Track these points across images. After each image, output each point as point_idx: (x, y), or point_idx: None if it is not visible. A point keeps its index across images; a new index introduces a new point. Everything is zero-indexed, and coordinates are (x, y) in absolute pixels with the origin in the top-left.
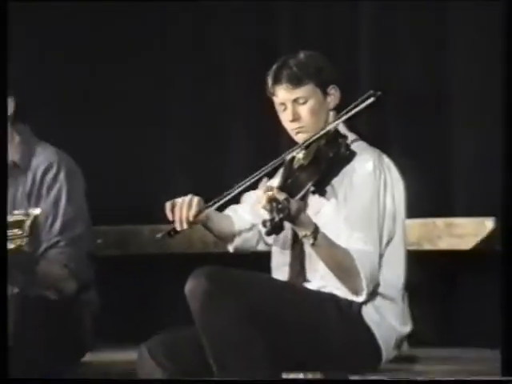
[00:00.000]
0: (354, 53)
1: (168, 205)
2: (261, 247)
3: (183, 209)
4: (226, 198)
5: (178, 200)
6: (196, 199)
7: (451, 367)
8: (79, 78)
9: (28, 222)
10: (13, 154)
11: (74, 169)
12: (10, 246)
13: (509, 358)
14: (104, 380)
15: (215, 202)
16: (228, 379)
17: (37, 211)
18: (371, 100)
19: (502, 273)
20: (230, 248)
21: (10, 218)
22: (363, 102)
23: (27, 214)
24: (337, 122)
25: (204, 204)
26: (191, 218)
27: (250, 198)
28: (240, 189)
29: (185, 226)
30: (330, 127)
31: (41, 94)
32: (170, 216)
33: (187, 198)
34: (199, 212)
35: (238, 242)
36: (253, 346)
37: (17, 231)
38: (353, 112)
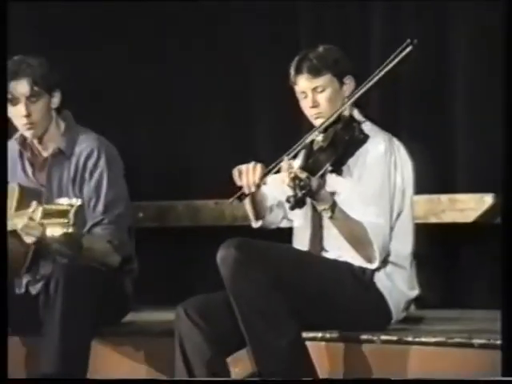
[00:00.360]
0: (367, 46)
1: (235, 171)
2: (283, 224)
3: (249, 174)
4: (274, 170)
5: (243, 167)
6: (259, 165)
7: (453, 327)
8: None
9: (72, 211)
10: (58, 142)
11: (113, 154)
12: (57, 232)
13: (509, 358)
14: (105, 380)
15: (269, 171)
16: (229, 379)
17: (79, 202)
18: (410, 48)
19: (502, 240)
20: (256, 224)
21: (55, 207)
22: (402, 51)
23: (71, 205)
24: (383, 71)
25: (266, 169)
26: (258, 182)
27: (274, 179)
28: (279, 164)
29: (253, 189)
30: (370, 84)
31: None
32: (238, 181)
33: (251, 164)
34: (263, 176)
35: (267, 217)
36: (278, 309)
37: (62, 220)
38: (395, 61)
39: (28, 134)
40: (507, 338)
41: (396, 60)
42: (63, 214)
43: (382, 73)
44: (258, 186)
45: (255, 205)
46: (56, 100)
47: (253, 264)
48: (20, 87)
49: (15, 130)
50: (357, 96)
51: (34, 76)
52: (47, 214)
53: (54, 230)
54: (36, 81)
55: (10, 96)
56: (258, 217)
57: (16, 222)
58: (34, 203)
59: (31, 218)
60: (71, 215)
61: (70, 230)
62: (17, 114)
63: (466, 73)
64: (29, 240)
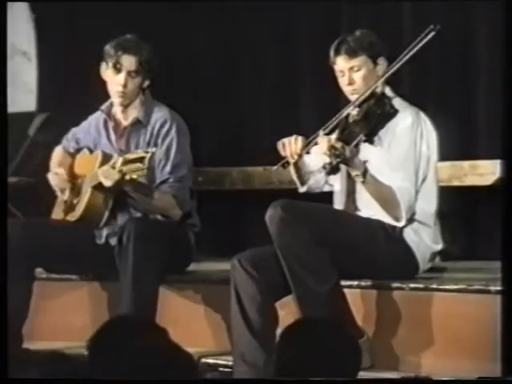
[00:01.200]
0: (399, 31)
1: (280, 144)
2: (326, 188)
3: (292, 145)
4: (312, 143)
5: (285, 140)
6: (300, 138)
7: (472, 275)
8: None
9: (148, 157)
10: (137, 113)
11: (182, 125)
12: (134, 176)
13: (509, 359)
14: (106, 380)
15: (309, 142)
16: (233, 378)
17: (154, 149)
18: (432, 34)
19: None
20: (302, 189)
21: (134, 155)
22: (425, 36)
23: (147, 152)
24: (406, 57)
25: (305, 141)
26: (299, 151)
27: (317, 149)
28: (317, 136)
29: (295, 158)
30: (394, 69)
31: None
32: (282, 152)
33: (293, 137)
34: (304, 147)
35: (310, 182)
36: (319, 260)
37: (139, 165)
38: (418, 47)
39: (117, 100)
40: (507, 284)
41: (419, 45)
42: (140, 159)
43: (406, 57)
44: (300, 156)
45: (299, 172)
46: (147, 82)
47: (296, 222)
48: (128, 61)
49: (97, 103)
50: (384, 77)
51: (141, 58)
52: (126, 162)
53: (131, 175)
54: (141, 62)
55: (118, 65)
56: (302, 183)
57: (98, 173)
58: (115, 155)
59: (113, 167)
60: (147, 160)
61: (145, 174)
62: (115, 81)
63: (489, 45)
64: (107, 183)
